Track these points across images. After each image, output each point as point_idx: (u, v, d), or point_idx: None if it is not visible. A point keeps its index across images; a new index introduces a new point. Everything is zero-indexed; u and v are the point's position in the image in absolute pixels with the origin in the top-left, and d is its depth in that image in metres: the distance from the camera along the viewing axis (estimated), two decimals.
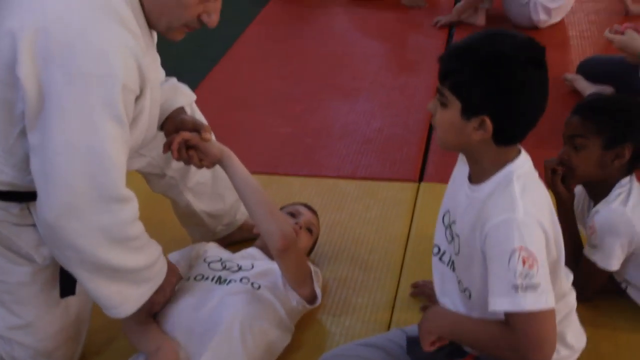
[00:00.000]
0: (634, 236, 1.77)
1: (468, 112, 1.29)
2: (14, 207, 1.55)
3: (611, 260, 1.80)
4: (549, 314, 1.29)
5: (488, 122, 1.28)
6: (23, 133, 1.42)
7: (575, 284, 1.62)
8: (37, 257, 1.60)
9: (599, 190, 1.84)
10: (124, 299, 1.50)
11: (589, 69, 2.95)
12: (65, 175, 1.37)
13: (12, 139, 1.44)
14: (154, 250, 1.55)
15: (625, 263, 1.83)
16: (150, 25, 1.52)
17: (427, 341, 1.43)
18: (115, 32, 1.37)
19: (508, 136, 1.33)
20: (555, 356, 1.41)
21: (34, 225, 1.58)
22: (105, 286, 1.47)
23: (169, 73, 1.88)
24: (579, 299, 1.65)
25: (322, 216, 2.24)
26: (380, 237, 2.21)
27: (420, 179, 2.52)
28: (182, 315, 1.64)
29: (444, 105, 1.32)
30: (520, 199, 1.29)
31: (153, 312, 1.63)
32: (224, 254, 1.85)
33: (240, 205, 2.07)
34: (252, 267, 1.79)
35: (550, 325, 1.30)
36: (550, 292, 1.28)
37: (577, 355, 1.52)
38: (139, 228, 1.49)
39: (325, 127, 2.89)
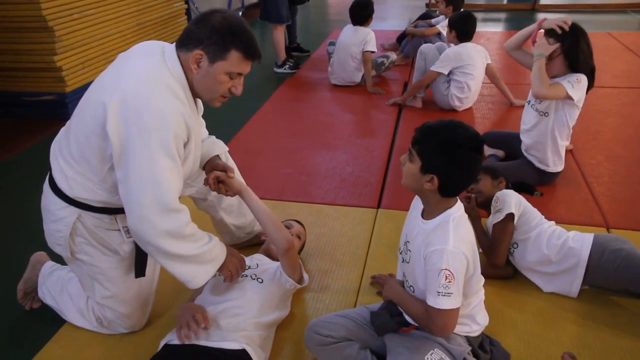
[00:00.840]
0: (521, 200, 1.94)
1: (425, 169, 1.35)
2: (105, 218, 1.57)
3: (511, 208, 1.89)
4: (454, 312, 1.36)
5: (436, 180, 1.34)
6: (111, 169, 1.45)
7: (488, 257, 1.90)
8: (120, 251, 1.61)
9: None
10: (195, 275, 1.52)
11: (488, 138, 2.98)
12: (138, 195, 1.40)
13: (104, 172, 1.47)
14: (208, 240, 1.55)
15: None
16: (197, 96, 1.55)
17: (385, 298, 1.56)
18: (169, 100, 1.41)
19: (448, 191, 1.38)
20: (468, 329, 1.49)
21: (119, 229, 1.59)
22: (180, 267, 1.49)
23: (212, 132, 1.90)
24: (493, 267, 1.88)
25: (310, 229, 2.25)
26: (350, 244, 2.21)
27: (379, 206, 2.51)
28: (215, 299, 1.63)
29: (410, 160, 1.38)
30: (452, 235, 1.35)
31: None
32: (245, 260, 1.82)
33: (257, 222, 2.08)
34: (257, 266, 1.78)
35: (452, 319, 1.38)
36: (459, 298, 1.35)
37: (483, 328, 1.53)
38: (193, 227, 1.50)
39: (314, 169, 2.89)
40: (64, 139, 1.54)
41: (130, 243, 1.62)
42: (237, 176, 1.81)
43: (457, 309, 1.36)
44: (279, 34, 4.63)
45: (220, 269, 1.58)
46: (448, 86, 3.52)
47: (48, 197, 1.58)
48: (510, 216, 1.89)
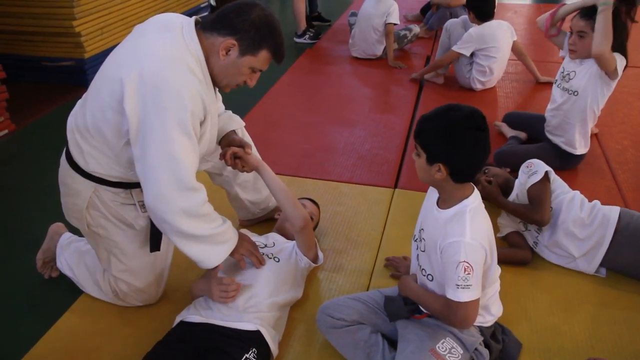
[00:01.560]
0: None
1: (430, 160, 1.34)
2: (121, 192, 1.58)
3: (546, 167, 1.95)
4: (474, 304, 1.35)
5: (443, 168, 1.32)
6: (127, 144, 1.45)
7: (533, 220, 1.93)
8: (135, 225, 1.62)
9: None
10: (208, 256, 1.53)
11: (510, 119, 2.92)
12: (155, 173, 1.40)
13: (120, 147, 1.47)
14: (222, 222, 1.55)
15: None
16: (213, 80, 1.53)
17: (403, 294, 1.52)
18: (186, 78, 1.40)
19: (459, 177, 1.35)
20: (482, 320, 1.48)
21: (134, 204, 1.60)
22: (193, 247, 1.49)
23: (228, 105, 1.88)
24: (541, 225, 1.93)
25: (326, 207, 2.25)
26: (365, 224, 2.19)
27: (395, 185, 2.49)
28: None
29: (417, 155, 1.38)
30: (468, 227, 1.33)
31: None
32: (256, 237, 1.83)
33: (272, 198, 2.08)
34: (274, 244, 1.79)
35: (472, 311, 1.37)
36: (478, 290, 1.34)
37: (496, 319, 1.52)
38: (208, 207, 1.50)
39: (332, 145, 2.86)
40: (80, 113, 1.54)
41: (145, 217, 1.63)
42: (254, 152, 1.80)
43: (478, 300, 1.35)
44: (300, 2, 4.52)
45: (233, 253, 1.58)
46: (470, 69, 3.41)
47: (65, 171, 1.58)
48: (547, 175, 1.94)
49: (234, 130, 1.78)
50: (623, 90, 3.34)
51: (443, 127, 1.32)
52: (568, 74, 2.43)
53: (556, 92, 2.51)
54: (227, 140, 1.75)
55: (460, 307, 1.34)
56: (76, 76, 3.73)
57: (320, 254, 1.81)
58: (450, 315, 1.38)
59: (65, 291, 1.85)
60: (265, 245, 1.77)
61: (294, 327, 1.68)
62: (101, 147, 1.49)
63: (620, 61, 2.24)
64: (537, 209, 1.91)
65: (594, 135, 2.85)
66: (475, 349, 1.42)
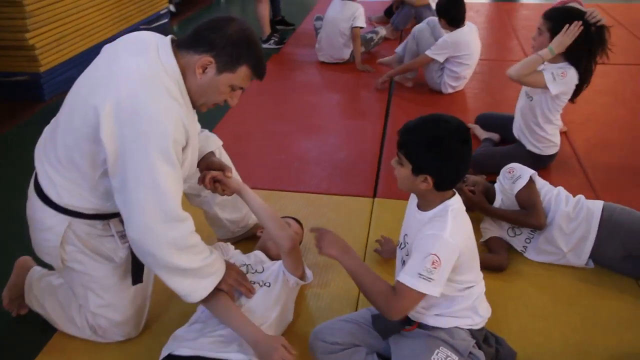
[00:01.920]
0: None
1: (416, 171, 1.33)
2: (98, 224, 1.49)
3: (530, 171, 1.99)
4: (421, 297, 1.32)
5: (430, 179, 1.32)
6: (104, 175, 1.36)
7: (528, 223, 1.95)
8: (115, 257, 1.54)
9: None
10: (194, 290, 1.44)
11: (483, 121, 2.94)
12: (139, 205, 1.32)
13: (95, 179, 1.39)
14: (209, 253, 1.48)
15: None
16: (192, 102, 1.46)
17: (325, 252, 1.45)
18: (166, 103, 1.32)
19: (444, 186, 1.36)
20: (470, 322, 1.47)
21: (112, 235, 1.51)
22: (179, 281, 1.42)
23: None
24: (539, 228, 1.94)
25: (305, 222, 2.19)
26: (347, 237, 2.05)
27: (374, 195, 2.46)
28: None
29: (400, 164, 1.37)
30: (450, 225, 1.32)
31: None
32: (245, 259, 1.78)
33: (251, 214, 2.02)
34: (263, 270, 1.72)
35: (414, 303, 1.36)
36: (439, 288, 1.31)
37: (485, 320, 1.51)
38: (196, 238, 1.43)
39: (306, 155, 2.81)
40: (49, 143, 1.44)
41: (125, 249, 1.55)
42: (234, 174, 1.73)
43: (423, 296, 1.32)
44: (264, 7, 4.44)
45: (220, 284, 1.50)
46: (441, 74, 3.42)
47: (34, 205, 1.48)
48: (532, 178, 1.96)
49: (212, 152, 1.71)
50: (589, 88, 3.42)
51: (431, 140, 1.31)
52: None
53: (521, 92, 2.56)
54: (205, 163, 1.67)
55: (409, 295, 1.31)
56: (32, 92, 3.55)
57: (308, 272, 1.77)
58: (392, 301, 1.33)
59: (37, 330, 1.72)
60: (256, 271, 1.71)
61: None
62: (75, 179, 1.40)
63: (559, 80, 2.27)
64: (532, 213, 1.93)
65: (563, 134, 2.91)
66: (470, 352, 1.41)
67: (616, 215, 1.89)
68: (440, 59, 3.32)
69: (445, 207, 1.36)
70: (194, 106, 1.49)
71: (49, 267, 1.68)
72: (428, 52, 3.33)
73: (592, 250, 1.89)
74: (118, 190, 1.33)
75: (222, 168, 1.65)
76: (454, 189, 1.41)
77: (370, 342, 1.52)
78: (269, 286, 1.64)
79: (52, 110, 3.43)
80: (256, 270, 1.72)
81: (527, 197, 1.94)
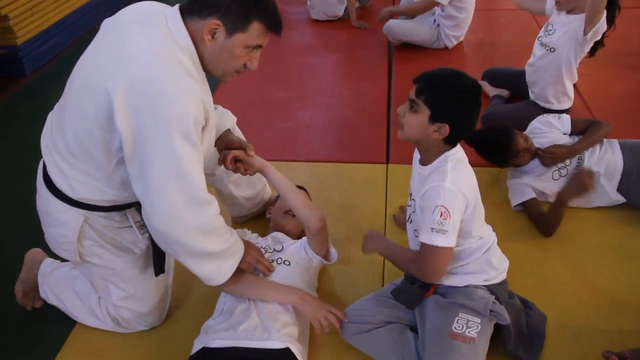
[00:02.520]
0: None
1: (434, 118, 1.33)
2: (115, 215, 1.42)
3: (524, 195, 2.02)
4: (447, 252, 1.35)
5: (447, 128, 1.33)
6: (118, 164, 1.28)
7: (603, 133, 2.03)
8: (135, 249, 1.48)
9: None
10: (219, 273, 1.41)
11: (491, 77, 2.86)
12: (163, 193, 1.24)
13: (111, 168, 1.30)
14: (232, 233, 1.44)
15: None
16: (207, 72, 1.34)
17: (367, 251, 1.58)
18: (184, 81, 1.22)
19: (454, 138, 1.37)
20: (486, 276, 1.47)
21: (130, 226, 1.45)
22: (204, 266, 1.37)
23: None
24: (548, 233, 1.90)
25: (320, 193, 2.16)
26: (366, 207, 2.11)
27: (387, 161, 2.39)
28: None
29: (415, 111, 1.35)
30: (449, 174, 1.34)
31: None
32: (263, 242, 1.73)
33: (266, 190, 1.96)
34: (282, 248, 1.68)
35: (444, 260, 1.37)
36: (453, 238, 1.34)
37: (503, 274, 1.51)
38: (220, 220, 1.37)
39: (312, 122, 2.72)
40: (57, 133, 1.33)
41: (145, 239, 1.49)
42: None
43: (450, 250, 1.35)
44: None
45: (240, 263, 1.46)
46: (437, 29, 3.31)
47: (46, 199, 1.39)
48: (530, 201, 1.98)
49: (229, 130, 1.62)
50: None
51: (457, 90, 1.33)
52: (550, 29, 2.39)
53: (536, 47, 2.49)
54: (224, 142, 1.59)
55: (433, 253, 1.35)
56: (11, 67, 3.35)
57: (333, 251, 1.72)
58: (421, 265, 1.39)
59: (56, 323, 1.67)
60: (274, 250, 1.66)
61: (318, 339, 1.58)
62: (89, 171, 1.31)
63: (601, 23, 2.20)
64: (598, 125, 2.04)
65: (574, 87, 2.84)
66: (491, 310, 1.40)
67: (629, 143, 2.01)
68: (444, 1, 3.18)
69: (444, 158, 1.38)
70: (215, 77, 1.38)
71: (61, 258, 1.60)
72: None
73: (620, 181, 1.95)
74: (137, 178, 1.25)
75: (242, 146, 1.56)
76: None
77: (401, 315, 1.51)
78: (289, 264, 1.60)
79: (36, 85, 3.32)
80: (274, 249, 1.67)
81: (582, 120, 2.07)
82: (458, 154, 1.39)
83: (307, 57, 3.42)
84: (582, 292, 1.70)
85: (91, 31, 2.95)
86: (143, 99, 1.18)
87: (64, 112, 1.32)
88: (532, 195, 1.98)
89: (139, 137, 1.20)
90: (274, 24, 1.30)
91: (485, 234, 1.48)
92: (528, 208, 1.98)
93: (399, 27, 3.36)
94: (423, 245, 1.36)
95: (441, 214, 1.31)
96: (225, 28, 1.25)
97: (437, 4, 3.23)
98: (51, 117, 1.40)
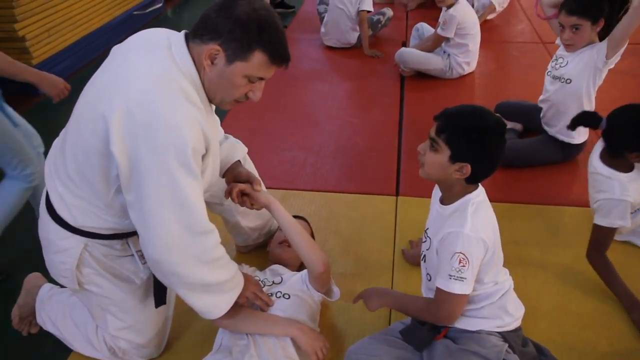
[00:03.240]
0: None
1: (455, 158, 1.30)
2: (116, 244, 1.40)
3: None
4: (462, 298, 1.34)
5: (468, 168, 1.29)
6: (118, 191, 1.25)
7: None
8: (135, 279, 1.45)
9: None
10: (215, 306, 1.36)
11: (504, 110, 2.82)
12: (161, 222, 1.20)
13: (110, 196, 1.27)
14: (232, 266, 1.39)
15: None
16: (208, 98, 1.31)
17: (374, 308, 1.53)
18: (183, 107, 1.18)
19: (477, 178, 1.34)
20: (501, 322, 1.41)
21: (132, 255, 1.42)
22: (201, 298, 1.33)
23: None
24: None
25: (328, 224, 2.11)
26: (374, 240, 2.06)
27: (397, 193, 2.35)
28: None
29: (435, 150, 1.32)
30: (469, 219, 1.30)
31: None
32: (261, 275, 1.70)
33: (273, 220, 1.93)
34: (282, 280, 1.64)
35: (459, 306, 1.36)
36: (470, 286, 1.32)
37: (518, 321, 1.46)
38: (220, 251, 1.33)
39: (321, 150, 2.70)
40: (59, 158, 1.32)
41: (146, 269, 1.46)
42: (262, 188, 1.61)
43: (466, 297, 1.34)
44: None
45: (238, 297, 1.41)
46: (448, 59, 3.34)
47: (47, 225, 1.37)
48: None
49: (238, 161, 1.60)
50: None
51: (478, 129, 1.30)
52: (559, 62, 2.37)
53: (547, 81, 2.47)
54: (232, 175, 1.56)
55: (449, 300, 1.33)
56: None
57: (335, 289, 1.66)
58: (436, 310, 1.38)
59: (51, 350, 1.63)
60: (273, 282, 1.62)
61: None
62: (88, 198, 1.29)
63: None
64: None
65: None
66: (504, 359, 1.34)
67: None
68: (450, 34, 3.24)
69: (465, 201, 1.34)
70: (213, 104, 1.35)
71: (61, 285, 1.57)
72: (439, 32, 3.27)
73: None
74: (133, 206, 1.22)
75: (250, 180, 1.54)
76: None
77: (408, 357, 1.45)
78: (288, 297, 1.55)
79: (47, 106, 3.34)
80: (273, 282, 1.63)
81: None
82: (480, 196, 1.36)
83: (318, 84, 3.43)
84: (598, 339, 1.64)
85: (104, 54, 2.97)
86: (139, 124, 1.15)
87: (65, 138, 1.31)
88: (627, 222, 1.73)
89: (135, 164, 1.17)
90: (277, 56, 1.24)
91: (501, 279, 1.43)
92: (600, 231, 1.75)
93: (412, 56, 3.38)
94: (439, 290, 1.33)
95: (460, 261, 1.28)
96: (225, 54, 1.21)
97: (445, 38, 3.27)
98: (55, 143, 1.39)
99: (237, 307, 1.41)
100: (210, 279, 1.31)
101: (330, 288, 1.65)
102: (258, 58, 1.22)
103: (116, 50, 1.33)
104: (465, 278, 1.29)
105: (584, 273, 1.86)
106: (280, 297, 1.55)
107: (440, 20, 3.29)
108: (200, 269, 1.27)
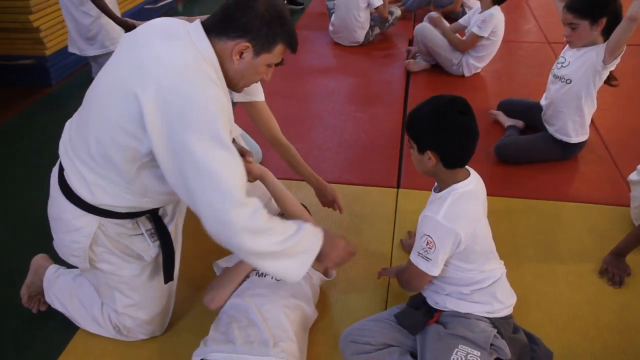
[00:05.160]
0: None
1: (421, 149, 1.39)
2: (128, 223, 1.45)
3: None
4: (423, 274, 1.42)
5: (433, 155, 1.37)
6: (140, 168, 1.31)
7: None
8: (145, 256, 1.50)
9: None
10: (289, 269, 1.36)
11: (506, 107, 2.86)
12: (205, 200, 1.24)
13: (132, 174, 1.32)
14: (293, 232, 1.34)
15: None
16: (229, 86, 1.38)
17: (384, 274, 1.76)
18: (212, 89, 1.25)
19: (449, 162, 1.39)
20: (490, 308, 1.46)
21: (142, 234, 1.48)
22: (271, 264, 1.33)
23: None
24: None
25: (328, 214, 2.14)
26: (373, 230, 2.11)
27: (398, 185, 2.40)
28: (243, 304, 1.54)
29: (412, 147, 1.43)
30: (445, 208, 1.36)
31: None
32: None
33: (271, 202, 1.97)
34: None
35: (419, 280, 1.47)
36: (435, 268, 1.40)
37: (509, 308, 1.49)
38: (268, 220, 1.30)
39: (325, 144, 2.75)
40: (78, 140, 1.36)
41: (155, 247, 1.52)
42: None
43: (428, 276, 1.42)
44: None
45: (324, 259, 1.43)
46: (460, 57, 3.37)
47: (60, 205, 1.41)
48: None
49: (233, 139, 1.65)
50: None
51: (428, 115, 1.37)
52: (562, 62, 2.40)
53: (550, 80, 2.49)
54: None
55: (412, 270, 1.45)
56: (38, 76, 3.46)
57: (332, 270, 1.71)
58: (402, 272, 1.54)
59: (59, 327, 1.69)
60: None
61: (317, 355, 1.59)
62: (110, 176, 1.34)
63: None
64: None
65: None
66: (492, 344, 1.38)
67: None
68: (485, 34, 3.24)
69: (450, 190, 1.39)
70: (233, 89, 1.42)
71: (66, 264, 1.63)
72: (476, 31, 3.24)
73: None
74: (179, 187, 1.25)
75: (242, 153, 1.56)
76: (470, 170, 1.44)
77: (402, 340, 1.50)
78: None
79: (60, 95, 3.42)
80: None
81: None
82: (468, 186, 1.40)
83: (324, 79, 3.47)
84: (589, 328, 1.67)
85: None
86: (173, 108, 1.19)
87: (85, 119, 1.35)
88: None
89: (173, 146, 1.21)
90: (293, 44, 1.38)
91: (488, 268, 1.47)
92: None
93: (432, 34, 3.37)
94: (409, 260, 1.45)
95: (427, 243, 1.38)
96: (253, 49, 1.32)
97: (481, 38, 3.26)
98: (70, 125, 1.43)
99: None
100: (267, 249, 1.30)
101: (327, 270, 1.69)
102: (279, 48, 1.35)
103: (131, 39, 1.35)
104: (431, 259, 1.38)
105: (578, 266, 1.90)
106: (279, 279, 1.59)
107: (475, 19, 3.25)
108: (254, 239, 1.27)
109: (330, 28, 4.02)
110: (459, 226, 1.35)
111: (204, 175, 1.21)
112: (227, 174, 1.23)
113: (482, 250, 1.44)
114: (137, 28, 1.39)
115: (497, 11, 3.22)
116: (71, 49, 3.11)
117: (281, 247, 1.31)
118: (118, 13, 3.02)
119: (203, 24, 1.33)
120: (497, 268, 1.50)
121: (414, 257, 1.43)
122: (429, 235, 1.37)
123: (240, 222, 1.24)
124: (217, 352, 1.37)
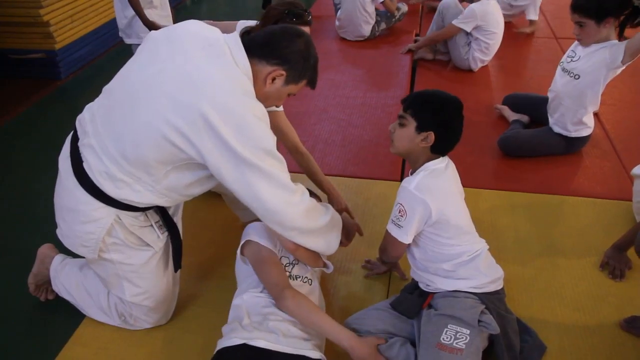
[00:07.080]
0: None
1: (420, 128, 1.44)
2: (140, 215, 1.49)
3: None
4: (398, 243, 1.49)
5: (432, 136, 1.43)
6: (170, 171, 1.39)
7: None
8: (154, 246, 1.54)
9: None
10: (329, 241, 1.57)
11: (512, 102, 2.85)
12: (270, 203, 1.38)
13: (161, 175, 1.39)
14: (325, 208, 1.58)
15: None
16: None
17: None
18: (257, 107, 1.35)
19: (441, 147, 1.48)
20: (476, 282, 1.50)
21: (151, 225, 1.53)
22: (317, 241, 1.53)
23: None
24: None
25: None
26: (376, 223, 2.11)
27: (402, 178, 2.38)
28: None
29: (403, 125, 1.48)
30: (418, 179, 1.44)
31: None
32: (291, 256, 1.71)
33: None
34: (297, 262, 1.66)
35: (393, 247, 1.53)
36: (407, 235, 1.47)
37: (496, 283, 1.52)
38: (314, 200, 1.52)
39: (331, 137, 2.76)
40: (108, 137, 1.36)
41: (164, 238, 1.56)
42: None
43: (401, 243, 1.48)
44: None
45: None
46: (468, 49, 3.35)
47: (77, 196, 1.41)
48: None
49: None
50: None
51: (439, 100, 1.47)
52: (571, 56, 2.37)
53: (558, 73, 2.46)
54: None
55: (387, 237, 1.53)
56: (48, 69, 3.50)
57: (328, 262, 1.70)
58: (382, 244, 1.61)
59: (66, 315, 1.72)
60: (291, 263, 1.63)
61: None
62: (139, 174, 1.37)
63: None
64: None
65: (595, 115, 2.81)
66: (480, 320, 1.40)
67: None
68: (467, 28, 3.24)
69: (424, 167, 1.48)
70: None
71: (71, 254, 1.65)
72: (455, 22, 3.27)
73: None
74: (241, 194, 1.37)
75: None
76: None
77: (401, 326, 1.53)
78: (311, 284, 1.58)
79: (69, 88, 3.45)
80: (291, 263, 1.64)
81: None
82: (439, 165, 1.47)
83: (330, 74, 3.47)
84: (589, 320, 1.67)
85: (123, 42, 3.04)
86: (223, 123, 1.26)
87: (117, 118, 1.36)
88: None
89: (235, 161, 1.30)
90: (314, 83, 1.52)
91: (465, 242, 1.50)
92: None
93: (455, 10, 3.34)
94: (387, 229, 1.52)
95: (399, 211, 1.45)
96: (285, 78, 1.41)
97: (459, 29, 3.28)
98: (92, 117, 1.41)
99: (303, 300, 1.46)
100: (315, 225, 1.49)
101: (324, 263, 1.69)
102: (303, 83, 1.48)
103: (168, 41, 1.37)
104: (402, 227, 1.46)
105: (581, 260, 1.90)
106: (306, 282, 1.57)
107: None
108: (308, 218, 1.46)
109: (337, 23, 4.01)
110: (429, 197, 1.42)
111: (265, 180, 1.34)
112: (282, 174, 1.38)
113: (457, 224, 1.48)
114: (168, 29, 1.41)
115: (478, 6, 3.21)
116: (120, 34, 3.09)
117: (321, 224, 1.51)
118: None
119: (243, 41, 1.38)
120: (475, 242, 1.53)
121: (389, 225, 1.50)
122: (401, 204, 1.45)
123: (302, 205, 1.43)
124: (262, 340, 1.35)
